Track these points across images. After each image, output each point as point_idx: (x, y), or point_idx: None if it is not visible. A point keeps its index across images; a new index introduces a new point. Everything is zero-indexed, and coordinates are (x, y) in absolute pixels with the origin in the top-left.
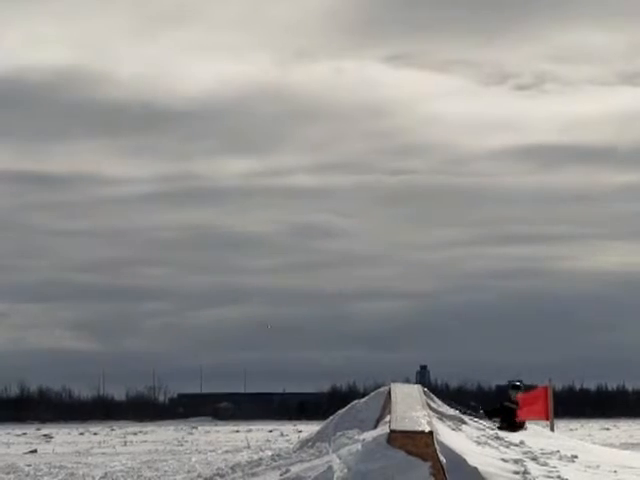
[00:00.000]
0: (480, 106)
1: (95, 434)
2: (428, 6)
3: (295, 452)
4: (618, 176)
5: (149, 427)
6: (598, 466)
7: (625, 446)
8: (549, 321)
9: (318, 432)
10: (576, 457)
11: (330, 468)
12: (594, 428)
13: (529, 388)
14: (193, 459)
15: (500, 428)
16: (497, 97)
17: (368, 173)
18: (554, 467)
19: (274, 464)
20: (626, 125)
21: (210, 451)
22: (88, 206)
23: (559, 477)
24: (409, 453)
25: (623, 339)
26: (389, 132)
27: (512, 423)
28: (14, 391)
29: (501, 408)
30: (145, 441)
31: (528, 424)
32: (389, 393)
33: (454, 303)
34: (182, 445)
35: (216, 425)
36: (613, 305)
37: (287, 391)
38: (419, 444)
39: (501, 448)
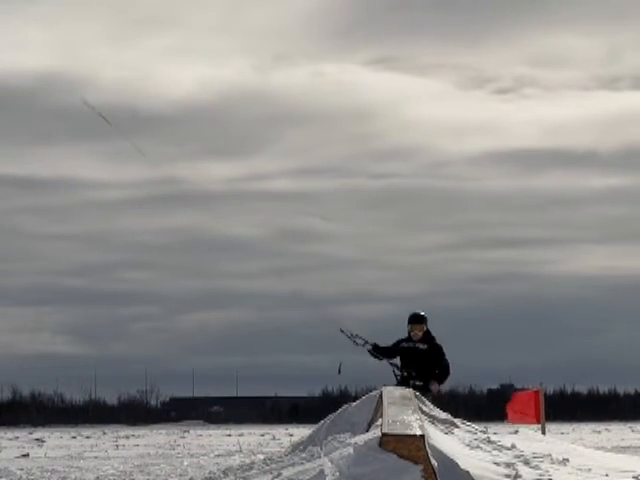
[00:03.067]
0: (461, 110)
1: (87, 438)
2: (409, 10)
3: (287, 456)
4: (600, 180)
5: (141, 431)
6: (590, 469)
7: (617, 449)
8: (538, 325)
9: (310, 436)
10: (567, 460)
11: (322, 472)
12: (585, 431)
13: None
14: (185, 463)
15: (403, 381)
16: (477, 101)
17: (351, 177)
18: (546, 470)
19: (266, 468)
20: (606, 129)
21: (202, 455)
22: (73, 210)
23: None
24: (400, 457)
25: (613, 343)
26: (370, 136)
27: (418, 376)
28: (6, 395)
29: (397, 348)
30: (137, 445)
31: (520, 428)
32: (381, 397)
33: (441, 307)
34: (174, 449)
35: (208, 429)
36: (600, 308)
37: (279, 395)
38: (411, 448)
39: (493, 452)
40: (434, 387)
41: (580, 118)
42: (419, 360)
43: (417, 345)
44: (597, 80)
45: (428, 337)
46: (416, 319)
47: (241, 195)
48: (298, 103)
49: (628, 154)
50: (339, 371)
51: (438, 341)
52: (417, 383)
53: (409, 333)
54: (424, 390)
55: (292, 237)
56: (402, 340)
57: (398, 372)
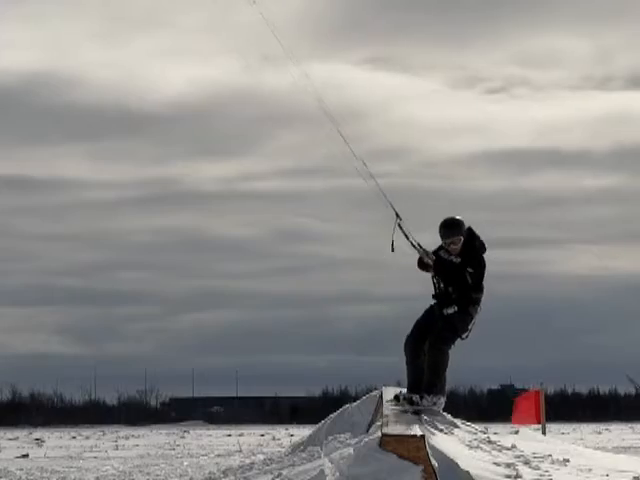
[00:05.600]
0: (452, 110)
1: (87, 438)
2: (399, 10)
3: (287, 456)
4: (593, 180)
5: (141, 431)
6: (590, 470)
7: (617, 450)
8: (536, 325)
9: (310, 436)
10: (568, 461)
11: (322, 472)
12: (586, 432)
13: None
14: (185, 463)
15: (439, 295)
16: (468, 101)
17: (343, 177)
18: (546, 471)
19: (266, 468)
20: (598, 130)
21: (202, 455)
22: (68, 210)
23: None
24: (401, 457)
25: (614, 343)
26: (362, 136)
27: (454, 298)
28: (6, 395)
29: (436, 254)
30: (137, 445)
31: (520, 428)
32: (381, 397)
33: None
34: (174, 449)
35: (208, 429)
36: (600, 309)
37: (279, 395)
38: (411, 448)
39: (493, 452)
40: (448, 310)
41: (572, 118)
42: (454, 275)
43: (451, 257)
44: (588, 80)
45: (469, 247)
46: (445, 231)
47: (236, 195)
48: (288, 103)
49: (620, 154)
50: (392, 248)
51: (483, 248)
52: (449, 311)
53: (444, 243)
54: (459, 318)
55: (289, 237)
56: (441, 247)
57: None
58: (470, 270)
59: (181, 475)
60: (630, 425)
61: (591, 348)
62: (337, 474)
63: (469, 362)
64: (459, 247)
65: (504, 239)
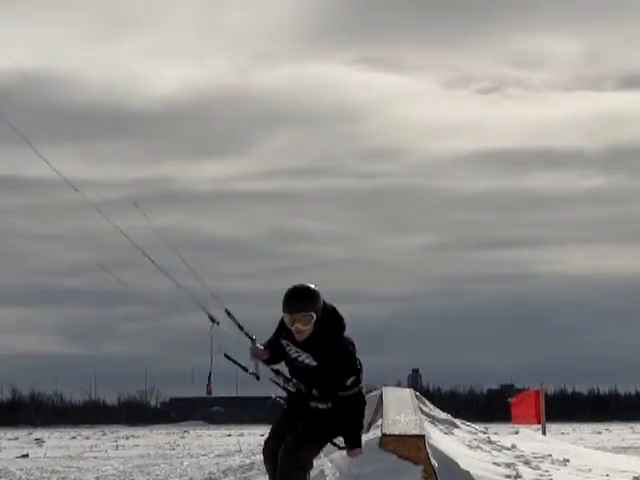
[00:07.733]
0: (445, 110)
1: (87, 438)
2: (391, 10)
3: None
4: (584, 181)
5: (141, 431)
6: (590, 470)
7: (617, 450)
8: (536, 325)
9: None
10: (568, 461)
11: (322, 472)
12: (586, 432)
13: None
14: (185, 463)
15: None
16: (461, 101)
17: (337, 177)
18: (546, 471)
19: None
20: (590, 130)
21: (202, 455)
22: (63, 210)
23: None
24: (401, 457)
25: (613, 343)
26: (355, 136)
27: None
28: (6, 395)
29: (279, 346)
30: (137, 445)
31: (520, 428)
32: (381, 397)
33: (434, 307)
34: (174, 449)
35: (208, 429)
36: (597, 309)
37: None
38: (411, 448)
39: (493, 452)
40: (354, 453)
41: (564, 119)
42: (312, 378)
43: (301, 357)
44: (580, 81)
45: (322, 334)
46: (293, 305)
47: (230, 195)
48: (282, 104)
49: (613, 154)
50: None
51: (347, 337)
52: (320, 406)
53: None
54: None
55: (283, 237)
56: (282, 331)
57: (290, 386)
58: (349, 382)
59: (181, 475)
60: (630, 425)
61: (591, 348)
62: (337, 474)
63: (469, 362)
64: (308, 330)
65: (501, 239)
